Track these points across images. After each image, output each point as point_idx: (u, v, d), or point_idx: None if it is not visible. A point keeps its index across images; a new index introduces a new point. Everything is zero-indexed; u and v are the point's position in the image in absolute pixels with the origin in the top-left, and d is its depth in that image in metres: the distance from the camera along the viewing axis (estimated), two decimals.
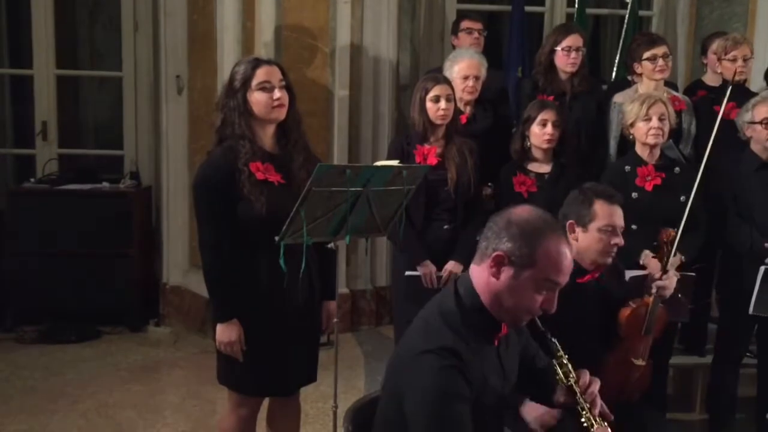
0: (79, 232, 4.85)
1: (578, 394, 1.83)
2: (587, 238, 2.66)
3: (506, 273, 1.75)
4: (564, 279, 1.78)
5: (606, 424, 1.83)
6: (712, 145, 3.05)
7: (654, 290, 2.76)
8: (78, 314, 4.86)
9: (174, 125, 5.04)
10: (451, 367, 1.70)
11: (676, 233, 2.90)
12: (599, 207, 2.65)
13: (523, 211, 1.80)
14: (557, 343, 1.89)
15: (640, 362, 2.78)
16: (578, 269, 2.65)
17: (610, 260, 2.70)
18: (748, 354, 3.68)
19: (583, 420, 1.82)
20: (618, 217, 2.68)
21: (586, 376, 1.88)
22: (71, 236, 4.84)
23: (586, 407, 1.83)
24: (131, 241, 4.96)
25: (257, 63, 2.55)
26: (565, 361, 1.88)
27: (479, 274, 1.80)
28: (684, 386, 3.95)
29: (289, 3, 4.52)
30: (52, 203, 4.91)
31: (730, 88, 3.25)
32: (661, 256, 2.89)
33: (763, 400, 3.44)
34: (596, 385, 1.88)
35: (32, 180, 5.13)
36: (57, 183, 5.01)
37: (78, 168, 5.27)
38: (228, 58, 4.54)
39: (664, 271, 2.82)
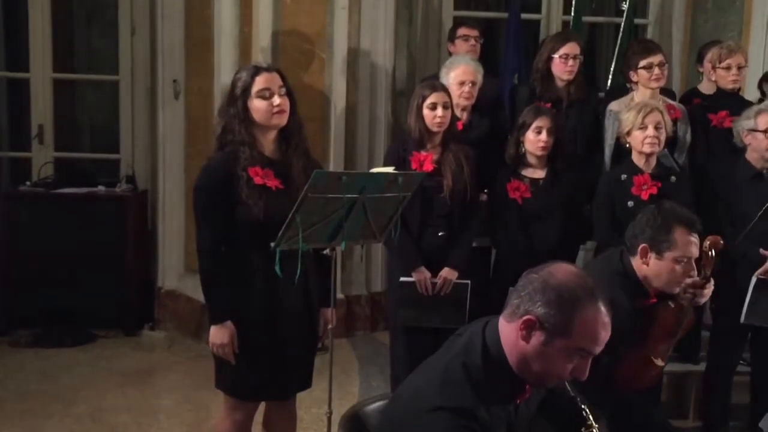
0: (74, 235, 4.83)
1: None
2: (660, 265, 2.55)
3: (537, 338, 1.64)
4: (599, 350, 1.68)
5: None
6: (706, 153, 3.06)
7: (690, 295, 2.69)
8: (73, 318, 4.85)
9: (170, 129, 5.04)
10: (465, 428, 1.62)
11: (724, 242, 2.79)
12: (679, 235, 2.54)
13: (562, 275, 1.67)
14: (587, 409, 1.80)
15: (659, 362, 2.73)
16: (641, 291, 2.59)
17: (676, 290, 2.61)
18: (741, 362, 3.70)
19: None
20: (695, 247, 2.55)
21: None
22: (67, 240, 4.83)
23: None
24: (127, 245, 4.96)
25: (257, 71, 2.57)
26: (594, 431, 1.79)
27: (508, 332, 1.69)
28: (678, 393, 3.96)
29: (287, 8, 4.53)
30: (47, 207, 4.90)
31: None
32: (705, 263, 2.74)
33: (756, 408, 3.45)
34: None
35: (28, 183, 5.12)
36: (53, 186, 5.01)
37: (74, 171, 5.27)
38: (225, 62, 4.55)
39: (707, 279, 2.73)
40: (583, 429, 1.79)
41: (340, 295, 4.78)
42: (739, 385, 3.63)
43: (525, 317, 1.64)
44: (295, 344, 2.63)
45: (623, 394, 2.67)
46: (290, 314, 2.58)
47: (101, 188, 5.07)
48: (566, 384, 1.80)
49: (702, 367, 3.77)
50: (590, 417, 1.79)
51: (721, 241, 2.77)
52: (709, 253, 2.73)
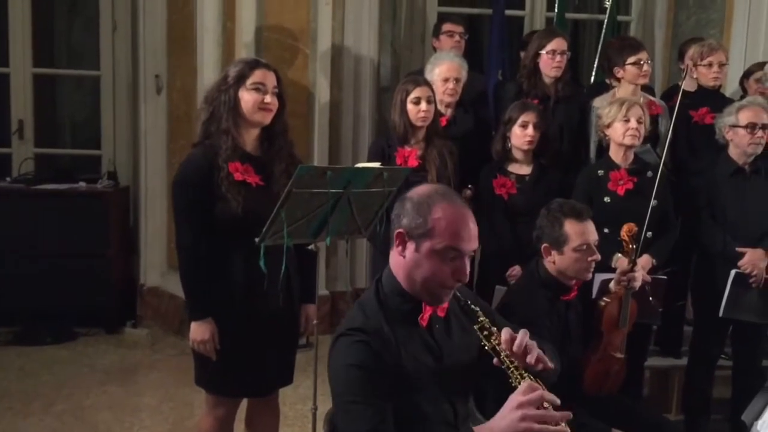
0: (55, 232, 4.79)
1: (501, 354, 1.78)
2: (564, 260, 2.67)
3: (410, 248, 1.78)
4: (466, 245, 1.77)
5: (534, 378, 1.74)
6: (687, 149, 3.08)
7: (623, 283, 2.84)
8: (54, 315, 4.81)
9: (153, 125, 5.00)
10: (360, 342, 1.73)
11: (639, 227, 2.96)
12: (570, 227, 2.66)
13: (417, 188, 1.84)
14: (478, 309, 1.85)
15: (619, 355, 2.87)
16: (561, 287, 2.72)
17: (589, 275, 2.73)
18: (723, 356, 3.73)
19: (511, 380, 1.76)
20: (590, 233, 2.69)
21: (507, 333, 1.80)
22: (47, 236, 4.78)
23: (511, 366, 1.76)
24: (108, 241, 4.92)
25: (257, 64, 2.57)
26: (487, 325, 1.83)
27: (393, 258, 1.84)
28: (660, 387, 3.99)
29: (270, 4, 4.51)
30: (27, 203, 4.86)
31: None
32: (626, 250, 2.95)
33: (737, 401, 3.48)
34: (524, 337, 1.79)
35: (8, 179, 5.07)
36: (33, 183, 4.96)
37: (55, 167, 5.23)
38: (208, 58, 4.52)
39: (633, 263, 2.89)
40: (475, 326, 1.84)
41: (324, 291, 4.78)
42: (721, 378, 3.67)
43: (396, 233, 1.80)
44: (275, 340, 2.61)
45: (593, 395, 2.79)
46: (271, 310, 2.56)
47: (82, 184, 5.03)
48: (456, 293, 1.86)
49: (684, 361, 3.80)
50: (481, 315, 1.85)
51: (635, 227, 2.93)
52: (626, 239, 2.92)
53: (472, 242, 1.79)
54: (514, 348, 1.77)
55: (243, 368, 2.57)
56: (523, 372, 1.76)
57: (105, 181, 5.12)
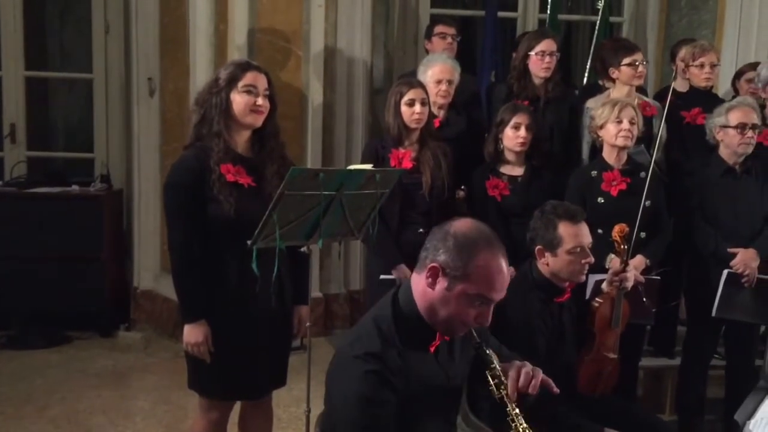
0: (48, 235, 4.77)
1: (508, 406, 1.82)
2: (558, 262, 2.68)
3: (441, 284, 1.77)
4: (497, 296, 1.79)
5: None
6: (679, 150, 3.10)
7: (616, 283, 2.86)
8: (47, 319, 4.79)
9: (145, 128, 4.99)
10: (374, 373, 1.72)
11: (631, 227, 2.98)
12: (564, 229, 2.67)
13: (462, 225, 1.81)
14: (492, 354, 1.88)
15: (612, 355, 2.88)
16: (554, 289, 2.72)
17: (583, 278, 2.74)
18: (716, 356, 3.74)
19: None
20: (584, 235, 2.70)
21: (512, 381, 1.85)
22: (40, 240, 4.76)
23: (516, 420, 1.80)
24: (102, 244, 4.90)
25: (248, 66, 2.56)
26: (498, 373, 1.85)
27: (417, 282, 1.83)
28: (654, 388, 4.00)
29: (263, 6, 4.51)
30: (20, 206, 4.84)
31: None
32: (618, 251, 2.96)
33: (730, 401, 3.49)
34: (527, 368, 1.86)
35: (0, 183, 5.05)
36: (26, 186, 4.95)
37: (47, 171, 5.21)
38: (200, 60, 4.52)
39: (625, 263, 2.90)
40: (487, 372, 1.86)
41: (318, 293, 4.77)
42: (714, 378, 3.68)
43: (430, 265, 1.78)
44: (268, 343, 2.61)
45: (587, 396, 2.81)
46: (263, 312, 2.55)
47: (75, 187, 5.01)
48: (472, 331, 1.88)
49: (677, 361, 3.81)
50: (494, 360, 1.87)
51: (627, 228, 2.94)
52: (617, 240, 2.93)
53: (503, 292, 1.80)
54: (521, 386, 1.83)
55: (236, 371, 2.56)
56: (527, 427, 1.81)
57: (98, 184, 5.11)
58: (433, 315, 1.80)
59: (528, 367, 1.88)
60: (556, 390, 1.87)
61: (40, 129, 5.57)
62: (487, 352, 1.87)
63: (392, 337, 1.79)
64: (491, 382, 1.85)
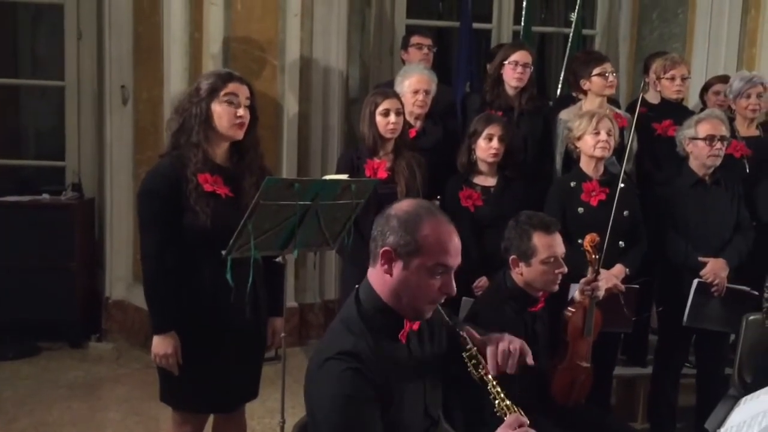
0: (18, 244, 4.70)
1: (488, 385, 1.82)
2: (532, 272, 2.70)
3: (397, 267, 1.77)
4: (454, 260, 1.79)
5: (518, 409, 1.79)
6: (651, 160, 3.13)
7: (587, 292, 2.89)
8: (16, 330, 4.71)
9: (118, 136, 4.94)
10: (351, 370, 1.72)
11: (601, 236, 3.01)
12: (538, 240, 2.69)
13: (401, 204, 1.83)
14: (466, 336, 1.88)
15: (584, 364, 2.91)
16: (528, 298, 2.75)
17: (556, 287, 2.76)
18: (687, 365, 3.79)
19: (496, 410, 1.80)
20: (558, 245, 2.72)
21: (492, 358, 1.85)
22: (10, 249, 4.69)
23: (498, 397, 1.80)
24: (73, 254, 4.84)
25: (230, 77, 2.54)
26: (474, 353, 1.86)
27: (375, 275, 1.83)
28: (626, 396, 4.03)
29: (238, 15, 4.49)
30: None
31: None
32: (590, 261, 2.98)
33: (701, 409, 3.53)
34: (504, 344, 1.87)
35: None
36: None
37: (17, 179, 5.13)
38: (175, 69, 4.49)
39: (597, 273, 2.94)
40: (463, 353, 1.87)
41: (293, 303, 4.75)
42: (686, 387, 3.73)
43: (381, 251, 1.77)
44: (241, 354, 2.59)
45: (560, 405, 2.84)
46: (237, 323, 2.53)
47: (46, 196, 4.94)
48: (442, 313, 1.89)
49: (649, 370, 3.85)
50: (468, 341, 1.88)
51: (597, 237, 2.97)
52: (588, 249, 2.95)
53: (458, 257, 1.81)
54: (500, 366, 1.83)
55: (207, 383, 2.53)
56: (510, 403, 1.79)
57: (69, 193, 5.04)
58: (398, 300, 1.80)
59: (505, 342, 1.88)
60: (531, 361, 1.86)
61: (10, 136, 5.50)
62: (461, 334, 1.88)
63: (363, 334, 1.79)
64: (469, 363, 1.85)
